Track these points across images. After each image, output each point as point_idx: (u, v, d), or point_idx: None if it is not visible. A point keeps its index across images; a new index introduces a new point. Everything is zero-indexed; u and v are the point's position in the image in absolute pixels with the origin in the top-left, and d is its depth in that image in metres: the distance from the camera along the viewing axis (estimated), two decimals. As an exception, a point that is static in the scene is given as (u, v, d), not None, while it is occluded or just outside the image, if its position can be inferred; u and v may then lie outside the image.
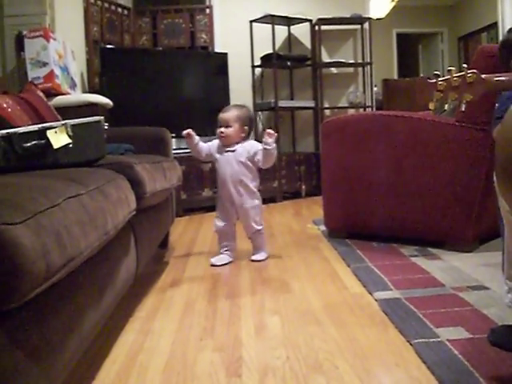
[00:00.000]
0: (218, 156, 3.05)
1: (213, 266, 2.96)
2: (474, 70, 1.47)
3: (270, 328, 2.00)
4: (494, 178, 1.61)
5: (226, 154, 3.01)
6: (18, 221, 0.97)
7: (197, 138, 3.04)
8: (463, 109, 1.47)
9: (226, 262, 3.02)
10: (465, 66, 1.50)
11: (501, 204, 1.66)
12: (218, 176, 3.07)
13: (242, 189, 2.99)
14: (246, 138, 3.05)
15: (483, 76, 1.47)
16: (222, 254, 3.06)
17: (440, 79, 1.50)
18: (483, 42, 9.26)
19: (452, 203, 2.94)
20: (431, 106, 1.51)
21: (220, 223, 3.07)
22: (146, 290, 2.50)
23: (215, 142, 3.08)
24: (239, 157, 2.99)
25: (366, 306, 2.19)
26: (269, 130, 2.89)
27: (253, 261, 3.04)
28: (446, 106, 1.49)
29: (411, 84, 8.24)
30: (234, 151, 3.00)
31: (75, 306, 1.30)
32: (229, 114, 3.01)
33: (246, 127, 3.02)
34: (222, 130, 2.99)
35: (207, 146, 3.08)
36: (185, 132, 3.00)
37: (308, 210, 4.96)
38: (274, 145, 2.90)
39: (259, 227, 3.07)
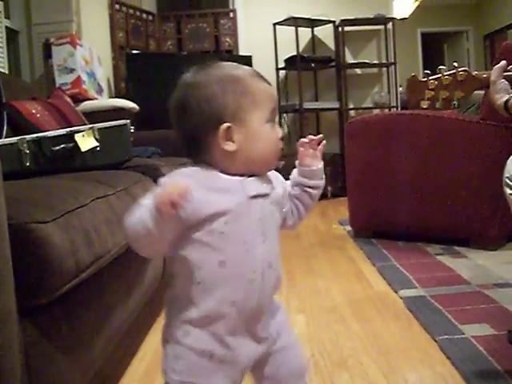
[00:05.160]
0: (231, 208, 0.95)
1: None
2: (465, 68, 1.49)
3: (296, 326, 2.02)
4: (506, 179, 1.63)
5: (252, 201, 0.98)
6: (49, 219, 1.02)
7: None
8: (455, 106, 1.48)
9: None
10: (455, 64, 1.51)
11: None
12: (220, 266, 0.95)
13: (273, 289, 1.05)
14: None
15: (474, 73, 1.49)
16: None
17: (431, 78, 1.51)
18: (510, 40, 9.16)
19: (477, 201, 2.93)
20: (423, 104, 1.52)
21: None
22: (173, 291, 2.53)
23: (194, 175, 0.97)
24: (277, 208, 1.06)
25: (390, 304, 2.20)
26: (310, 137, 1.12)
27: None
28: (438, 104, 1.50)
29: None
30: (267, 195, 1.02)
31: (104, 303, 1.33)
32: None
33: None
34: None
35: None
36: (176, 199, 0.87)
37: (334, 211, 4.96)
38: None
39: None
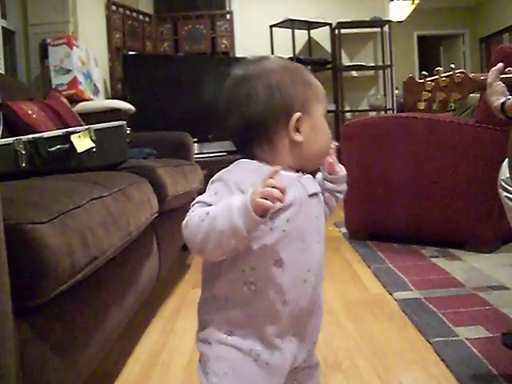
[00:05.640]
0: (294, 204, 0.93)
1: None
2: (462, 70, 1.50)
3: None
4: (502, 182, 1.63)
5: (310, 199, 0.98)
6: (44, 220, 1.01)
7: None
8: (451, 107, 1.50)
9: None
10: (452, 66, 1.52)
11: (510, 216, 1.67)
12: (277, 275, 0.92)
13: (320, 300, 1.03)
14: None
15: (471, 75, 1.50)
16: None
17: (428, 79, 1.53)
18: (505, 43, 9.19)
19: (472, 204, 2.93)
20: (420, 106, 1.54)
21: None
22: (168, 292, 2.54)
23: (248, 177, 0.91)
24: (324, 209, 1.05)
25: (385, 306, 2.20)
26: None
27: None
28: (435, 106, 1.52)
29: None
30: (318, 194, 1.01)
31: (99, 304, 1.33)
32: None
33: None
34: None
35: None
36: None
37: (329, 213, 4.97)
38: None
39: None
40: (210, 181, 0.94)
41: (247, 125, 0.94)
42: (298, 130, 0.94)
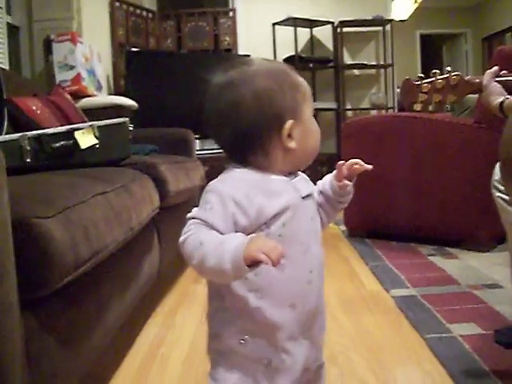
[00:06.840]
0: (288, 208, 0.92)
1: None
2: (458, 72, 1.54)
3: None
4: (495, 182, 1.66)
5: (304, 201, 0.97)
6: (50, 215, 1.05)
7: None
8: (448, 109, 1.54)
9: None
10: (448, 68, 1.56)
11: (503, 217, 1.70)
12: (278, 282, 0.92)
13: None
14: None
15: (466, 78, 1.54)
16: None
17: (425, 81, 1.57)
18: (507, 43, 9.20)
19: (469, 203, 2.96)
20: (416, 107, 1.57)
21: None
22: (169, 286, 2.57)
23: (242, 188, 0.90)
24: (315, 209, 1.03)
25: (382, 303, 2.24)
26: (354, 162, 1.11)
27: None
28: (431, 107, 1.55)
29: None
30: (312, 194, 1.01)
31: (101, 297, 1.37)
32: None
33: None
34: None
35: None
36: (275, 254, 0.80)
37: (329, 211, 4.99)
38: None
39: None
40: (204, 191, 0.93)
41: (239, 135, 0.93)
42: (290, 136, 0.93)
